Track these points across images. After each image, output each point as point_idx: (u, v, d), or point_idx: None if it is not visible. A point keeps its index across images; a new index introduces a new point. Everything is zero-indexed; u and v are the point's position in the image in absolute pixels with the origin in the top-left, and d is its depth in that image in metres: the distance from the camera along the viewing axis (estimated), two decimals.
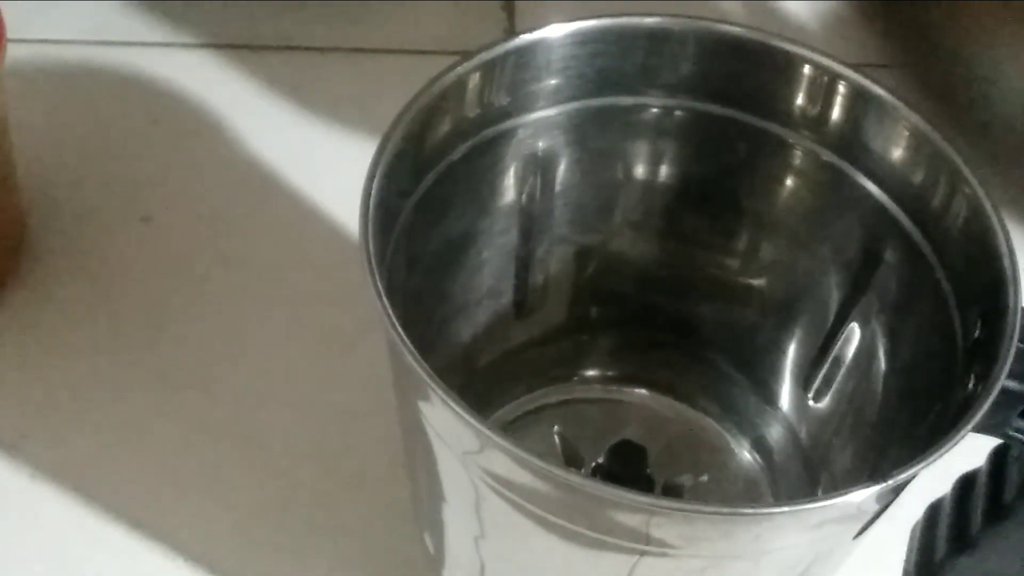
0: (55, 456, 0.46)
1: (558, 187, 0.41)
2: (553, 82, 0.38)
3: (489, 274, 0.42)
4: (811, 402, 0.43)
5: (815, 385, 0.42)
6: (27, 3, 0.58)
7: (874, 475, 0.30)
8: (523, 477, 0.30)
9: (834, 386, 0.42)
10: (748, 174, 0.40)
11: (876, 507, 0.32)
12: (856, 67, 0.37)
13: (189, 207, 0.54)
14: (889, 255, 0.38)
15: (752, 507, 0.30)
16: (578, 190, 0.41)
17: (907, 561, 0.36)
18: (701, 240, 0.43)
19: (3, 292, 0.50)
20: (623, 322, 0.45)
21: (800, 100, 0.38)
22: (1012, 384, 0.31)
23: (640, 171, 0.41)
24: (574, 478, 0.29)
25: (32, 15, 0.59)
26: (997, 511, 0.33)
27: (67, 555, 0.44)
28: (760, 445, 0.45)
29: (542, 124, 0.39)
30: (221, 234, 0.53)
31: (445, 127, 0.36)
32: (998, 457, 0.34)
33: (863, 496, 0.30)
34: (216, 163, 0.56)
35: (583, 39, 0.37)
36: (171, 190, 0.55)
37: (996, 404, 0.31)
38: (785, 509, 0.30)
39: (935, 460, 0.30)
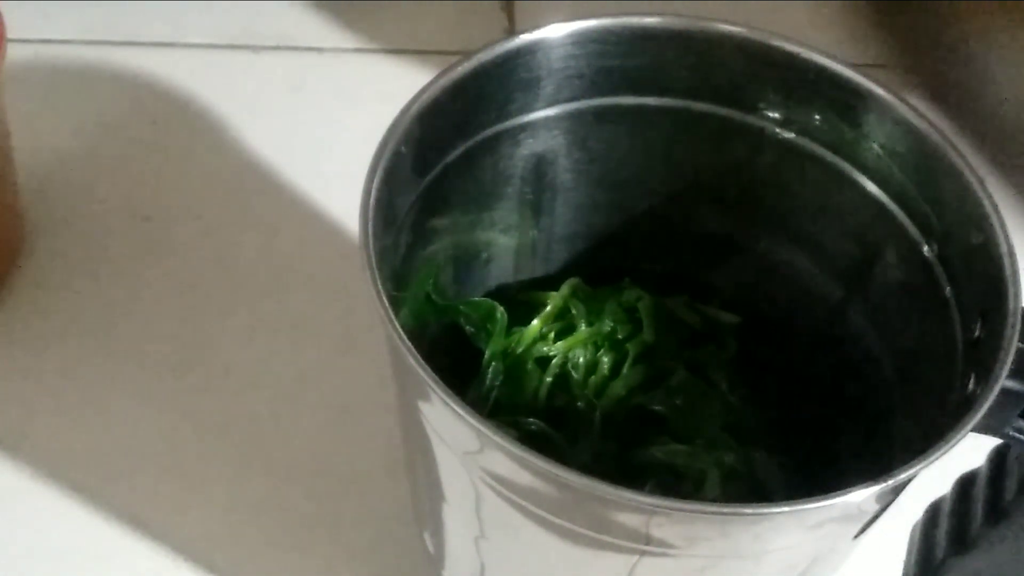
0: (55, 456, 0.46)
1: (558, 187, 0.41)
2: (553, 82, 0.38)
3: (490, 273, 0.42)
4: None
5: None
6: (27, 3, 0.58)
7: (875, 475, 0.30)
8: (523, 477, 0.30)
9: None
10: (747, 174, 0.40)
11: (876, 507, 0.32)
12: (856, 67, 0.37)
13: (189, 207, 0.54)
14: (889, 254, 0.38)
15: (752, 507, 0.29)
16: (578, 190, 0.41)
17: (907, 561, 0.36)
18: (701, 240, 0.43)
19: (3, 292, 0.50)
20: None
21: (800, 100, 0.38)
22: (1012, 384, 0.31)
23: (640, 171, 0.41)
24: (574, 478, 0.29)
25: (32, 15, 0.59)
26: (997, 511, 0.33)
27: (67, 555, 0.44)
28: None
29: (542, 124, 0.39)
30: (221, 234, 0.53)
31: (445, 127, 0.36)
32: (998, 457, 0.34)
33: (863, 496, 0.30)
34: (216, 163, 0.56)
35: (583, 39, 0.37)
36: (171, 190, 0.55)
37: (996, 404, 0.31)
38: (785, 509, 0.30)
39: (935, 460, 0.30)
